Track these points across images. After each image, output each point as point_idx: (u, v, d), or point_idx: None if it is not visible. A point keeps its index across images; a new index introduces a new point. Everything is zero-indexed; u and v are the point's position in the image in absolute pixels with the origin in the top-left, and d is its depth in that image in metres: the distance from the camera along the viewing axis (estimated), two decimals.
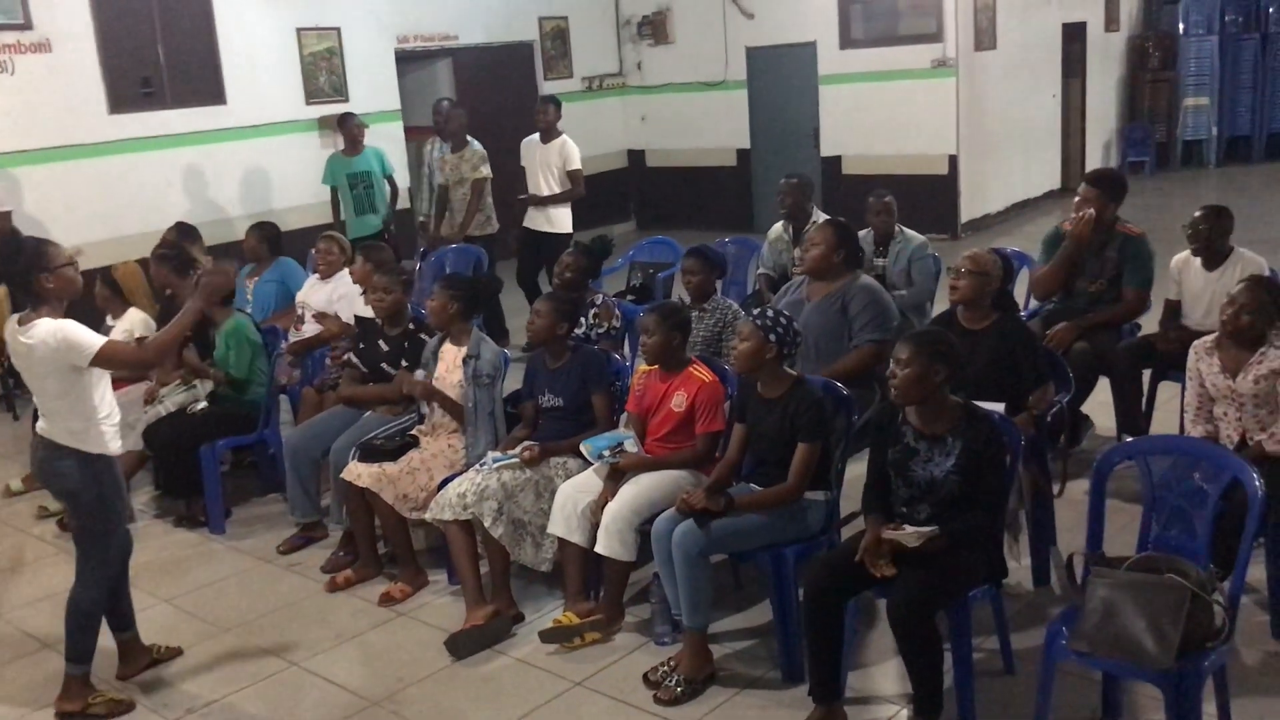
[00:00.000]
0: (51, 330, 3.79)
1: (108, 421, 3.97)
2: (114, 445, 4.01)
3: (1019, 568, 4.28)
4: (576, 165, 8.60)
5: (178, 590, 5.05)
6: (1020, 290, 6.02)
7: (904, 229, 6.50)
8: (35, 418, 6.04)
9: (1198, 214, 5.35)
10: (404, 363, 5.24)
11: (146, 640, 4.40)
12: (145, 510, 5.94)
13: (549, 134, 8.62)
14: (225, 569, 5.28)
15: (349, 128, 8.97)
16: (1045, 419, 4.55)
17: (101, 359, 3.83)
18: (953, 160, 11.65)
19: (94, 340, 3.82)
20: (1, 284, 3.97)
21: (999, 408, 4.15)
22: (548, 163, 8.58)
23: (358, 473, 4.77)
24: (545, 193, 8.56)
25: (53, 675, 4.20)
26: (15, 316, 3.93)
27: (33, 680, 4.34)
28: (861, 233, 6.42)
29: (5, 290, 7.61)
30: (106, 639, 4.20)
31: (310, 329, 6.46)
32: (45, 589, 5.14)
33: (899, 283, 6.28)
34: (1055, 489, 4.73)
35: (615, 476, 4.33)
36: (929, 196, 11.30)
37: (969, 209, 11.98)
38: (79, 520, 4.04)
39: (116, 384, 6.07)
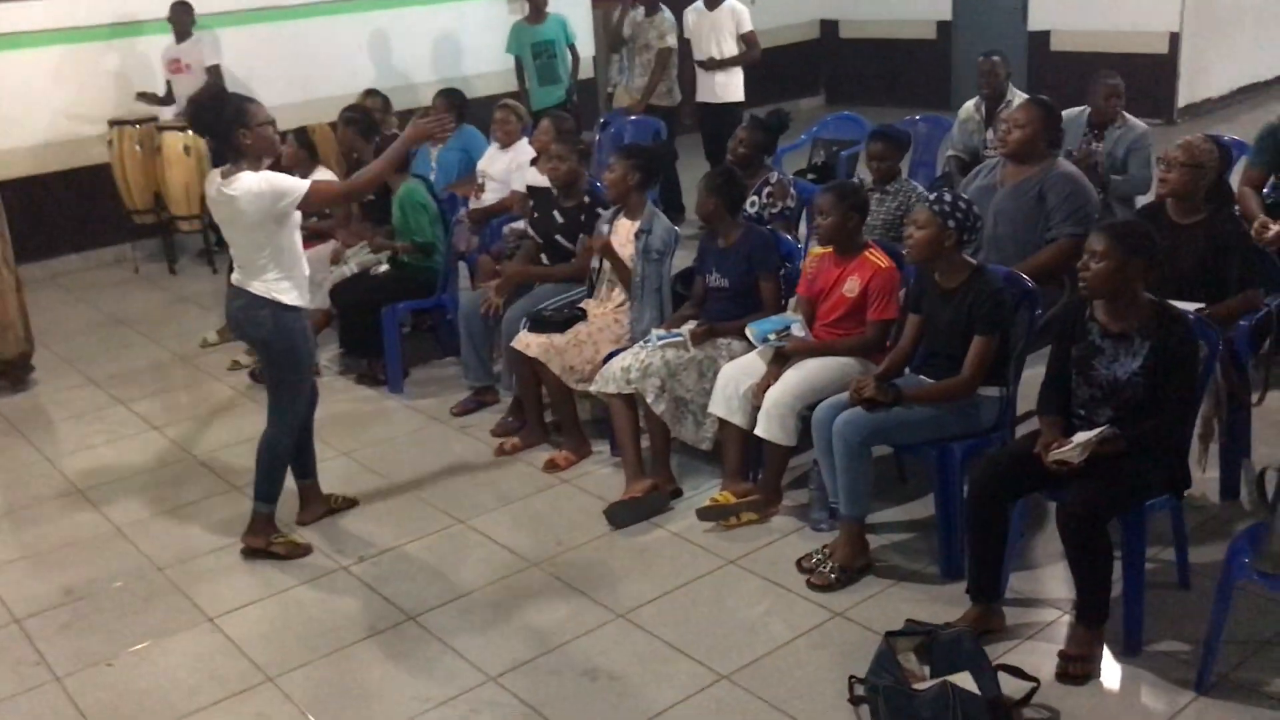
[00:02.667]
0: (257, 180, 3.97)
1: (300, 275, 4.17)
2: (305, 298, 4.21)
3: (1205, 478, 4.04)
4: (750, 26, 8.35)
5: (356, 445, 5.28)
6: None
7: (1127, 115, 6.07)
8: (230, 271, 6.41)
9: None
10: (581, 236, 5.24)
11: (325, 489, 4.63)
12: (329, 366, 6.20)
13: (712, 0, 8.35)
14: (401, 427, 5.49)
15: None
16: (1249, 321, 4.22)
17: (313, 195, 4.05)
18: (1174, 38, 10.76)
19: (299, 184, 4.04)
20: (204, 136, 4.14)
21: (1194, 307, 3.85)
22: (718, 28, 8.32)
23: (526, 342, 4.84)
24: (719, 56, 8.34)
25: (242, 514, 4.46)
26: (217, 170, 4.11)
27: (225, 517, 4.63)
28: (1075, 111, 6.03)
29: (205, 144, 8.00)
30: (289, 485, 4.44)
31: (490, 197, 6.54)
32: (237, 435, 5.46)
33: (1113, 171, 5.88)
34: (1254, 398, 4.41)
35: (780, 360, 4.26)
36: (1144, 77, 10.47)
37: (1188, 92, 11.09)
38: (271, 368, 4.27)
39: (304, 244, 6.39)
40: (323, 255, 6.17)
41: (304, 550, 4.32)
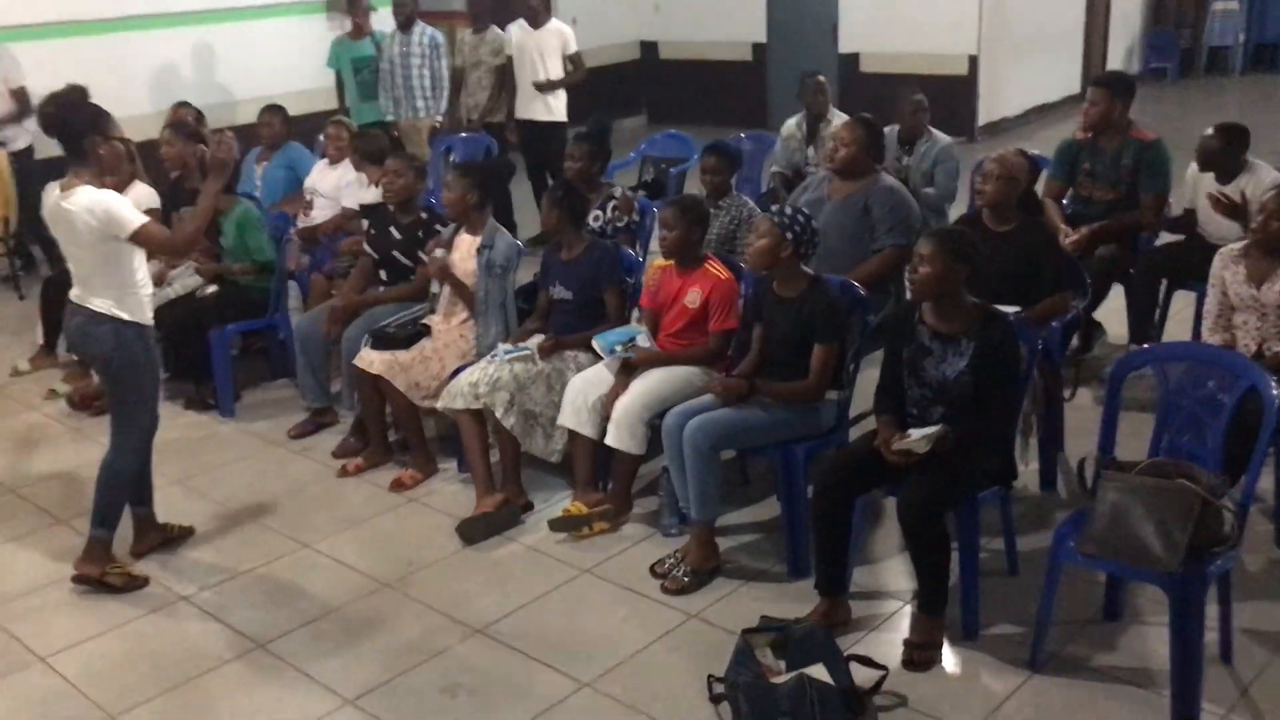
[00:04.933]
0: (95, 200, 3.84)
1: (143, 290, 4.03)
2: (148, 314, 4.07)
3: (1026, 471, 4.30)
4: (576, 48, 8.38)
5: (188, 471, 5.09)
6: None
7: (933, 130, 6.42)
8: (45, 295, 6.10)
9: (1208, 132, 5.27)
10: (420, 253, 5.20)
11: (159, 519, 4.44)
12: None
13: (538, 19, 8.40)
14: (235, 452, 5.31)
15: (358, 11, 8.76)
16: (1060, 323, 4.53)
17: (138, 238, 3.90)
18: (973, 60, 11.42)
19: (134, 218, 3.89)
20: (54, 135, 3.96)
21: (1011, 310, 4.11)
22: (544, 48, 8.33)
23: (370, 360, 4.77)
24: (543, 76, 8.35)
25: (69, 548, 4.27)
26: (57, 183, 3.95)
27: (51, 551, 4.41)
28: (886, 129, 6.34)
29: (7, 163, 7.58)
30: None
31: (319, 214, 6.42)
32: (56, 466, 5.20)
33: (922, 183, 6.21)
34: (1066, 394, 4.73)
35: (627, 371, 4.34)
36: (947, 97, 11.00)
37: (986, 111, 11.78)
38: (114, 387, 4.10)
39: None
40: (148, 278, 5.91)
41: (141, 582, 4.13)
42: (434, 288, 5.03)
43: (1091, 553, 3.27)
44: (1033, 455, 4.35)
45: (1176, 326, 5.58)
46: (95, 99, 4.02)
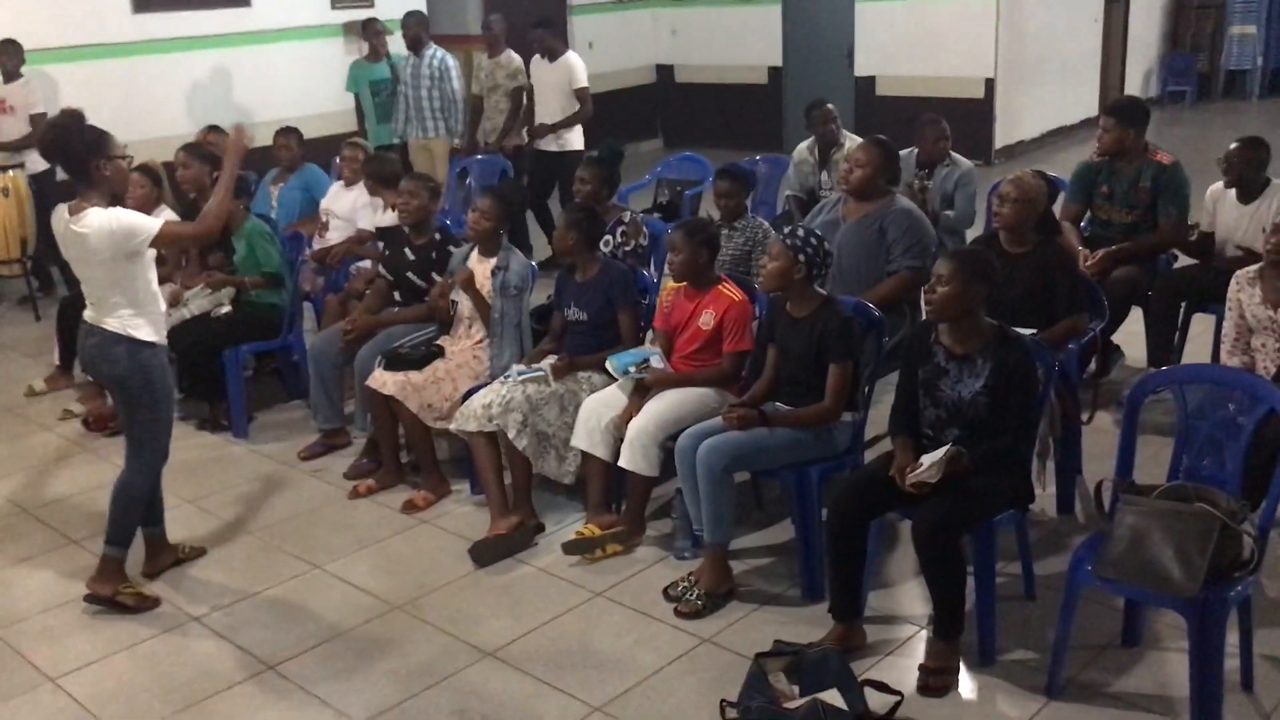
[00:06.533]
0: (107, 218, 3.83)
1: (156, 310, 4.04)
2: (162, 334, 4.08)
3: (1043, 494, 4.25)
4: (583, 83, 8.32)
5: (200, 492, 5.08)
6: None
7: (954, 154, 6.40)
8: (61, 316, 6.13)
9: (1233, 145, 5.24)
10: (434, 274, 5.20)
11: (171, 539, 4.44)
12: None
13: (553, 54, 8.39)
14: (248, 473, 5.31)
15: (372, 34, 8.84)
16: (1078, 345, 4.49)
17: (165, 236, 3.93)
18: (990, 84, 11.40)
19: (152, 222, 3.92)
20: (56, 163, 4.02)
21: (1028, 333, 4.08)
22: (552, 83, 8.34)
23: (383, 380, 4.77)
24: (553, 113, 8.32)
25: (82, 568, 4.28)
26: (64, 206, 3.95)
27: (63, 572, 4.40)
28: (904, 152, 6.32)
29: (26, 185, 7.64)
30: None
31: (334, 235, 6.43)
32: (72, 486, 5.20)
33: (941, 207, 6.19)
34: (1084, 417, 4.69)
35: (641, 392, 4.32)
36: (964, 121, 10.95)
37: (1004, 135, 11.75)
38: (129, 407, 4.09)
39: None
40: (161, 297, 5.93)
41: (152, 602, 4.12)
42: (454, 295, 5.00)
43: (1110, 577, 3.22)
44: (1050, 478, 4.30)
45: (1196, 349, 5.53)
46: (116, 121, 4.03)
